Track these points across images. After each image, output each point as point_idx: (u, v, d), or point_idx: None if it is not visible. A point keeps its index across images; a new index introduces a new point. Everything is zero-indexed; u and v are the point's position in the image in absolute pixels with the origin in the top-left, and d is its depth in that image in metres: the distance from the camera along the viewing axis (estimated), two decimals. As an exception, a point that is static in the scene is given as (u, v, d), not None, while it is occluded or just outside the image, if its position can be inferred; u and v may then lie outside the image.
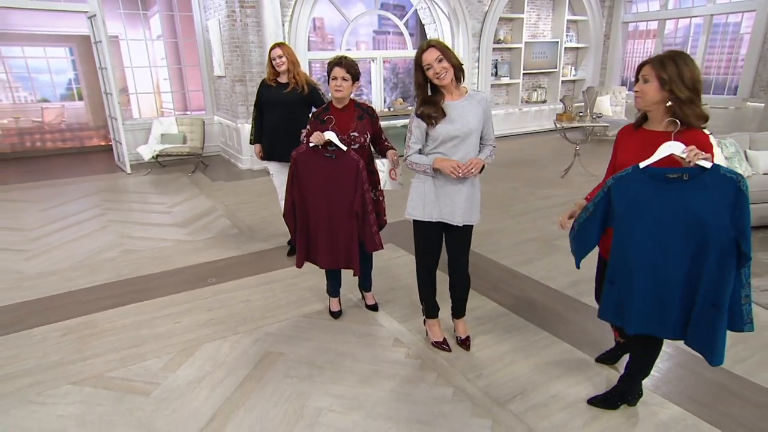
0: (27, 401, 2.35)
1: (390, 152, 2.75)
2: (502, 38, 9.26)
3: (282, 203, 3.96)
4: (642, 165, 1.75)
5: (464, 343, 2.73)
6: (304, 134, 2.75)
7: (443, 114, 2.31)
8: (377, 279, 3.41)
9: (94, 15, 6.66)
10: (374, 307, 3.14)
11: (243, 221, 4.95)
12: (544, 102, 10.03)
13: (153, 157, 7.06)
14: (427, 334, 2.80)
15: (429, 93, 2.34)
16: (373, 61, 8.58)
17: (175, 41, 9.15)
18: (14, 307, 3.27)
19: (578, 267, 2.10)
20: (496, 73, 9.46)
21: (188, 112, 9.21)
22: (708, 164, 1.63)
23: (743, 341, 2.71)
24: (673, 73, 1.75)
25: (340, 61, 2.55)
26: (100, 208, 5.52)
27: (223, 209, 5.39)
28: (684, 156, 1.67)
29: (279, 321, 3.04)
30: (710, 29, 9.18)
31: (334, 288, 3.05)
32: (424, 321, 2.81)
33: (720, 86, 9.35)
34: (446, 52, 2.26)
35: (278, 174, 3.93)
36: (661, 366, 2.50)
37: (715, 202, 1.64)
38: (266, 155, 3.86)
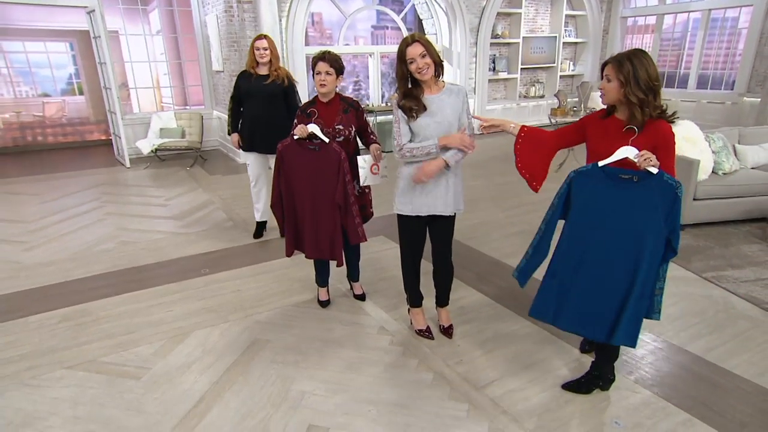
0: (23, 384, 2.44)
1: (373, 146, 2.81)
2: (500, 33, 9.29)
3: (253, 193, 4.21)
4: (601, 164, 1.94)
5: (447, 332, 2.80)
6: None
7: (424, 108, 2.37)
8: (366, 270, 3.49)
9: (93, 10, 6.73)
10: (362, 297, 3.22)
11: (238, 214, 5.03)
12: (542, 97, 10.06)
13: (152, 151, 7.15)
14: (411, 324, 2.88)
15: (410, 86, 2.40)
16: (370, 56, 8.63)
17: (175, 36, 9.22)
18: (12, 296, 3.37)
19: (524, 286, 2.25)
20: (494, 68, 9.50)
21: (187, 107, 9.29)
22: (654, 170, 1.85)
23: (718, 330, 2.78)
24: (629, 74, 1.86)
25: (324, 56, 2.62)
26: (98, 201, 5.61)
27: (220, 202, 5.47)
28: (636, 160, 1.86)
29: (268, 310, 3.12)
30: (708, 24, 9.18)
31: (322, 278, 3.13)
32: (409, 310, 2.89)
33: (717, 81, 9.35)
34: (429, 48, 2.32)
35: (255, 165, 4.02)
36: (634, 353, 2.57)
37: (655, 203, 1.87)
38: (246, 146, 3.94)
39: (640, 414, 2.15)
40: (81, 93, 11.29)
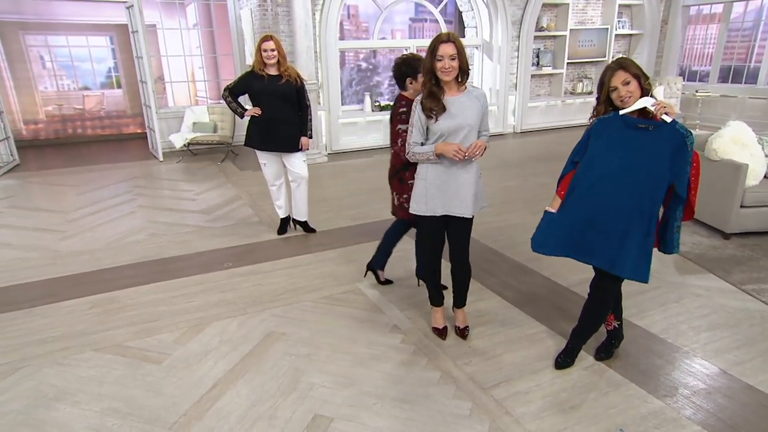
0: (55, 363, 2.78)
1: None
2: (544, 25, 9.25)
3: (272, 191, 4.42)
4: (622, 112, 2.25)
5: (462, 333, 2.95)
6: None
7: (444, 108, 2.53)
8: (392, 268, 3.63)
9: (132, 5, 7.24)
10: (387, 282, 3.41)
11: (264, 210, 5.33)
12: (590, 93, 9.90)
13: (184, 145, 7.60)
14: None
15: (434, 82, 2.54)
16: (407, 50, 8.81)
17: (210, 30, 9.71)
18: (49, 282, 3.77)
19: (553, 212, 2.51)
20: (538, 63, 9.46)
21: (221, 101, 9.76)
22: (669, 119, 2.16)
23: (749, 344, 2.79)
24: (639, 69, 2.23)
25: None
26: (131, 194, 6.07)
27: (248, 198, 5.80)
28: (653, 109, 2.18)
29: (286, 304, 3.36)
30: (784, 13, 8.81)
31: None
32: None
33: (793, 77, 8.94)
34: (461, 53, 2.47)
35: (273, 164, 4.27)
36: (653, 363, 2.64)
37: (664, 149, 2.18)
38: (263, 146, 4.19)
39: (648, 423, 2.24)
40: (119, 86, 12.06)
